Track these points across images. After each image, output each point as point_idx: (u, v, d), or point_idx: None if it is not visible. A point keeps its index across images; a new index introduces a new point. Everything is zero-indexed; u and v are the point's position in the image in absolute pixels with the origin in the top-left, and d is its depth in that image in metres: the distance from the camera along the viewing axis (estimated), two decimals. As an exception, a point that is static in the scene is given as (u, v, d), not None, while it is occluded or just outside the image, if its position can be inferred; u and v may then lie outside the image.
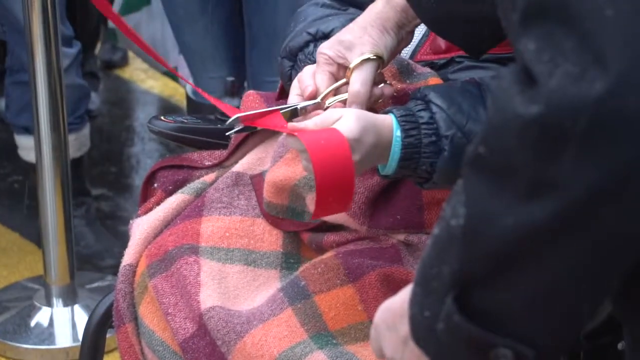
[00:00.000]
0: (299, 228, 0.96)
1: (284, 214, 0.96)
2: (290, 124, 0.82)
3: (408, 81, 0.93)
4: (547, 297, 0.47)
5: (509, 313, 0.48)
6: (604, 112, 0.40)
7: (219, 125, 1.08)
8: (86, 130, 1.99)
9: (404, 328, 0.55)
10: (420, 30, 0.98)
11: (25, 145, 1.92)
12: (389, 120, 0.81)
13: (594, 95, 0.40)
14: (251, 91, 1.06)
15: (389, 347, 0.60)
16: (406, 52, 0.98)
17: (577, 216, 0.43)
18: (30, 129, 1.74)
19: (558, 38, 0.43)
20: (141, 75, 2.62)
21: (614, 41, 0.41)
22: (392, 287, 0.90)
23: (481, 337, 0.47)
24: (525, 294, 0.47)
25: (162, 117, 1.13)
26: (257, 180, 0.99)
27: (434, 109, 0.81)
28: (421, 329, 0.52)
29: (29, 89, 1.67)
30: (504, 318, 0.48)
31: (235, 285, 0.94)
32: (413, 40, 0.97)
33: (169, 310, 0.94)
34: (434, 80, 0.92)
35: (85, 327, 1.12)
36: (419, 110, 0.80)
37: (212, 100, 1.02)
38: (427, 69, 0.95)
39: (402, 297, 0.56)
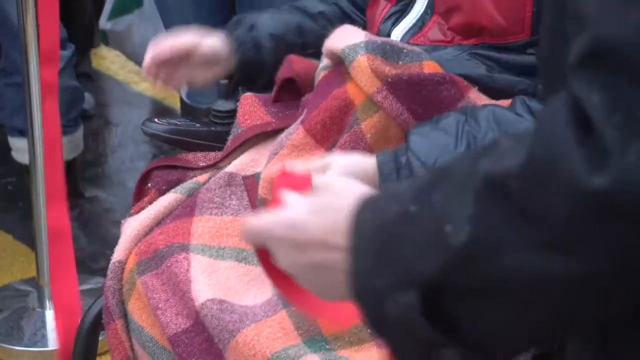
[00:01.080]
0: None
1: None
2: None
3: (401, 62, 0.92)
4: (521, 328, 0.46)
5: (472, 327, 0.46)
6: None
7: (212, 128, 1.09)
8: (80, 133, 1.97)
9: (319, 256, 0.52)
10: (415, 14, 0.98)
11: (18, 147, 1.90)
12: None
13: None
14: (248, 94, 1.06)
15: (287, 261, 0.55)
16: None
17: (596, 282, 0.41)
18: (24, 131, 1.73)
19: (631, 99, 0.38)
20: (134, 78, 2.60)
21: None
22: None
23: (434, 336, 0.45)
24: (501, 319, 0.45)
25: (155, 120, 1.13)
26: (249, 182, 0.98)
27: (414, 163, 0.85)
28: (363, 290, 0.49)
29: (22, 90, 1.66)
30: (465, 327, 0.46)
31: (226, 278, 0.93)
32: (403, 25, 0.98)
33: (159, 305, 0.93)
34: (429, 64, 0.91)
35: (78, 329, 1.11)
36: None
37: None
38: (417, 48, 0.94)
39: (335, 227, 0.51)
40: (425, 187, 0.48)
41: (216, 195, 0.98)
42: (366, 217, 0.49)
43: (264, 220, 0.56)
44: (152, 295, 0.94)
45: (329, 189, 0.57)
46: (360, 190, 0.54)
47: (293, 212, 0.55)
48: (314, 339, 0.90)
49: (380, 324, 0.49)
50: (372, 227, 0.49)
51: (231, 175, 1.00)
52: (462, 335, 0.45)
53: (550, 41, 0.58)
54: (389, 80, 0.90)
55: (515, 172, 0.41)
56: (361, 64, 0.90)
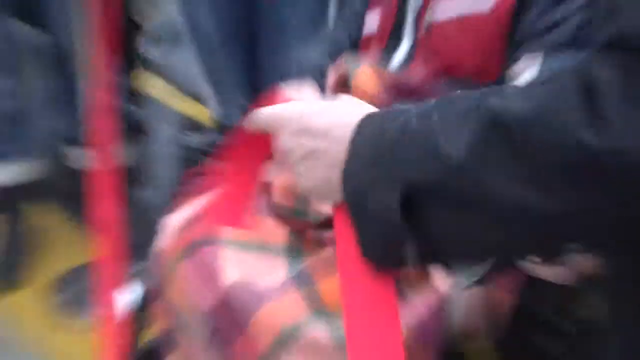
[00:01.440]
0: (302, 226, 1.11)
1: (290, 214, 1.11)
2: None
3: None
4: (480, 244, 0.49)
5: (438, 232, 0.48)
6: None
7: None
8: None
9: (320, 144, 0.53)
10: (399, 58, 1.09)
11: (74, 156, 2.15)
12: None
13: None
14: None
15: (287, 146, 0.57)
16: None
17: (559, 222, 0.44)
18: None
19: None
20: (170, 96, 2.82)
21: None
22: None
23: (402, 232, 0.48)
24: (466, 232, 0.47)
25: (188, 133, 1.33)
26: (267, 186, 1.14)
27: None
28: (351, 179, 0.51)
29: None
30: (432, 231, 0.48)
31: (250, 266, 1.08)
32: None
33: (193, 288, 1.07)
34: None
35: (130, 306, 1.33)
36: None
37: None
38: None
39: (340, 121, 0.53)
40: (430, 108, 0.50)
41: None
42: (371, 121, 0.52)
43: (278, 106, 0.59)
44: (187, 279, 1.08)
45: (344, 99, 0.59)
46: (371, 109, 0.56)
47: (306, 104, 0.58)
48: (320, 311, 1.03)
49: (357, 215, 0.52)
50: (373, 130, 0.52)
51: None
52: (426, 237, 0.48)
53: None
54: (388, 83, 1.04)
55: (521, 116, 0.43)
56: (365, 70, 1.05)
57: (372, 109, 0.55)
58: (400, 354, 0.51)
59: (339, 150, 0.52)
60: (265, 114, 0.60)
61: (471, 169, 0.44)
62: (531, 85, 0.48)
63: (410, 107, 0.52)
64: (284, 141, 0.57)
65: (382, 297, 0.53)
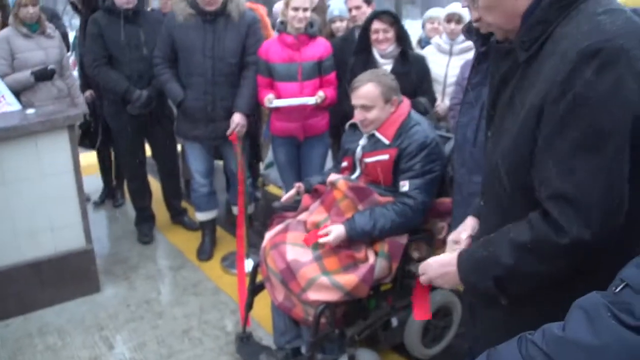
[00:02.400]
0: (317, 238, 2.55)
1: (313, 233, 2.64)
2: None
3: (351, 182, 2.64)
4: (519, 285, 1.20)
5: (510, 287, 1.21)
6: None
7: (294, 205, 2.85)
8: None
9: (446, 270, 1.36)
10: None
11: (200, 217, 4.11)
12: None
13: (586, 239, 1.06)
14: (306, 194, 2.80)
15: (433, 273, 1.41)
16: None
17: (543, 276, 1.15)
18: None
19: (571, 216, 1.04)
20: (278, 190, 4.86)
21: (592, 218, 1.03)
22: (344, 260, 2.46)
23: (497, 293, 1.22)
24: (517, 285, 1.20)
25: (282, 200, 2.91)
26: (304, 222, 2.68)
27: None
28: (477, 282, 1.25)
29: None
30: (505, 288, 1.21)
31: (296, 253, 2.49)
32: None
33: (276, 261, 2.51)
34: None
35: (252, 269, 2.91)
36: None
37: None
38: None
39: (446, 262, 1.37)
40: (487, 243, 1.22)
41: (293, 226, 2.67)
42: (464, 253, 1.30)
43: (427, 263, 1.45)
44: (274, 257, 2.54)
45: (448, 255, 1.41)
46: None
47: (438, 259, 1.42)
48: (325, 271, 2.43)
49: (472, 291, 1.35)
50: (467, 256, 1.30)
51: (299, 220, 2.71)
52: (503, 291, 1.23)
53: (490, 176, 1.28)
54: (350, 186, 2.56)
55: (528, 240, 1.14)
56: (342, 181, 2.58)
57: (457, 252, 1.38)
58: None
59: (454, 271, 1.32)
60: (424, 267, 1.46)
61: (516, 267, 1.17)
62: (524, 225, 1.19)
63: (478, 247, 1.26)
64: (431, 272, 1.40)
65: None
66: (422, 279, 1.42)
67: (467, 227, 1.57)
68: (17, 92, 3.82)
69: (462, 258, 1.30)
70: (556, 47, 1.14)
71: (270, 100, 3.38)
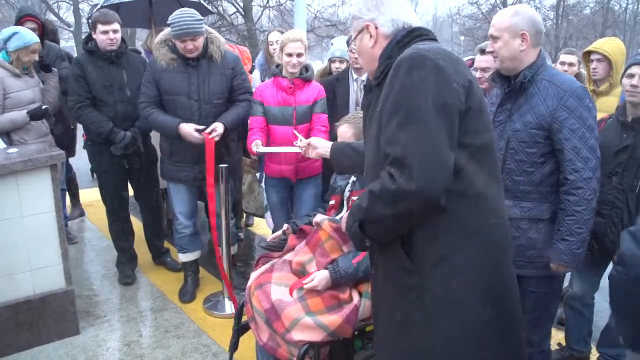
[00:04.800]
0: (304, 280, 2.60)
1: (300, 274, 2.63)
2: None
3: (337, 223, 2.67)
4: (384, 234, 1.69)
5: (370, 232, 1.70)
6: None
7: (281, 243, 2.92)
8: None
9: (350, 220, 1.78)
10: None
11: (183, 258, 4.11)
12: None
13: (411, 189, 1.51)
14: (292, 235, 2.84)
15: (344, 224, 1.90)
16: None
17: (394, 220, 1.61)
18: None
19: (403, 173, 1.51)
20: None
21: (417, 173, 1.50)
22: (328, 301, 2.47)
23: (362, 235, 1.71)
24: (376, 230, 1.68)
25: (268, 240, 2.94)
26: (289, 262, 2.71)
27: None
28: (350, 224, 1.74)
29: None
30: (368, 233, 1.70)
31: (281, 292, 2.53)
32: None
33: (261, 301, 2.53)
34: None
35: (237, 308, 2.93)
36: None
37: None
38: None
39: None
40: (354, 208, 1.74)
41: (280, 265, 2.71)
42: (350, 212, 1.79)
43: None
44: (259, 297, 2.56)
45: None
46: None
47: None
48: (309, 312, 2.44)
49: (350, 233, 1.79)
50: (350, 216, 1.78)
51: (285, 260, 2.74)
52: (367, 235, 1.73)
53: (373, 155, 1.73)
54: (335, 227, 2.60)
55: (377, 189, 1.60)
56: (327, 222, 2.63)
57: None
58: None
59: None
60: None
61: (368, 214, 1.68)
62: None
63: (354, 207, 1.76)
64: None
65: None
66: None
67: None
68: (8, 131, 3.84)
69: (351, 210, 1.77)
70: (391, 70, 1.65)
71: (258, 145, 3.41)
